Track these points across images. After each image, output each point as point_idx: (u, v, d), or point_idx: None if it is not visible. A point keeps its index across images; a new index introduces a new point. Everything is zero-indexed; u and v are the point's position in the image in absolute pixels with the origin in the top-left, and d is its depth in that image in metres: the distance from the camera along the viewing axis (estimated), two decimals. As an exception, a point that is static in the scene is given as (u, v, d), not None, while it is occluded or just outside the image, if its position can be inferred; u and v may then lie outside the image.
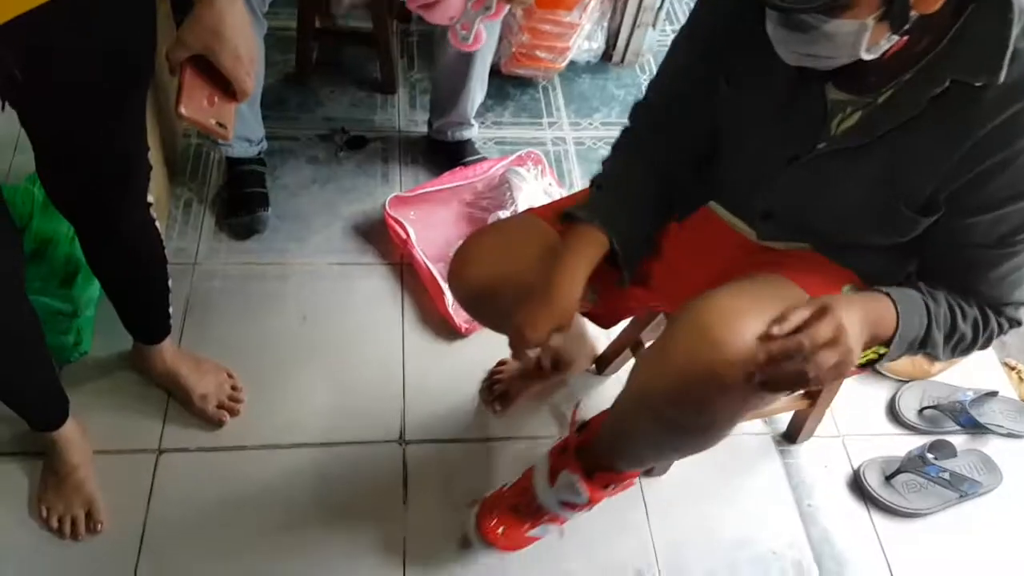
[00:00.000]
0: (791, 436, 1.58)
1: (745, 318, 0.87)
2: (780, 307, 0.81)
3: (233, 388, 1.48)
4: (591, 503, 1.18)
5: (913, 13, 0.76)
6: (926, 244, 0.96)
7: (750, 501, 1.49)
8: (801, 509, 1.50)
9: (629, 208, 1.06)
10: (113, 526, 1.31)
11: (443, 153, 1.92)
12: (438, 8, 1.40)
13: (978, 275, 0.94)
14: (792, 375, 0.79)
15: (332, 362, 1.57)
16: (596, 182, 1.10)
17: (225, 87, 0.89)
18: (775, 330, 0.79)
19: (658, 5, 2.11)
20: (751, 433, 1.58)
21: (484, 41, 1.48)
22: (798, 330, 0.79)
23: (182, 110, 0.85)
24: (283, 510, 1.36)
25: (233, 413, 1.46)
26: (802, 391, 0.94)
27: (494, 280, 1.08)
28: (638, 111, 1.13)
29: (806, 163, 0.95)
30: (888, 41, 0.80)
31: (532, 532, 1.26)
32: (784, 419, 1.60)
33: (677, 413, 0.94)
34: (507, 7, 1.42)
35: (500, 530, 1.25)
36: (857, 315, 0.83)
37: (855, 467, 1.56)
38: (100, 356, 1.51)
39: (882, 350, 0.91)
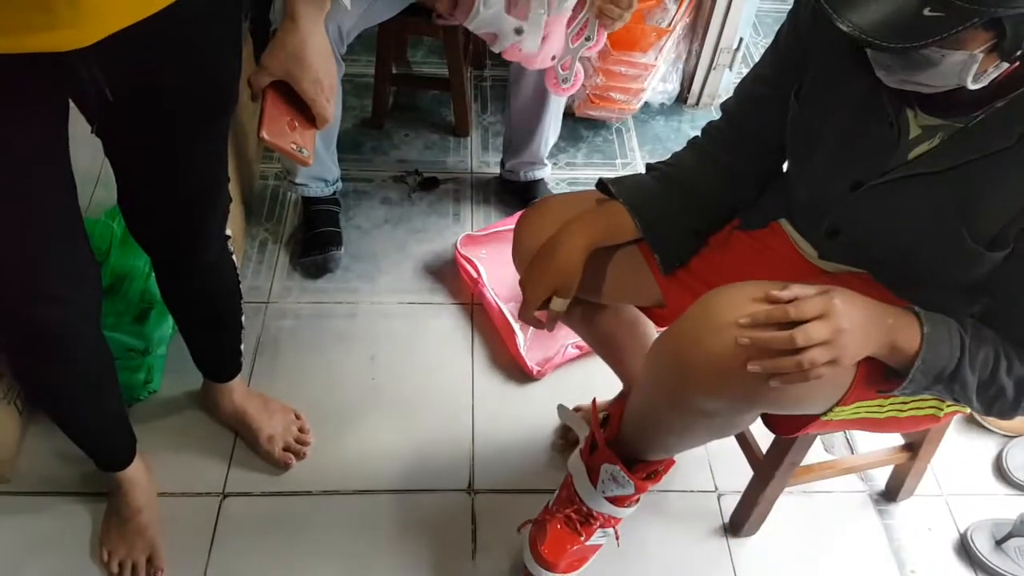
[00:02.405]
0: (890, 494, 1.39)
1: (749, 308, 0.80)
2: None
3: (300, 430, 1.39)
4: (638, 492, 1.08)
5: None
6: (990, 287, 0.85)
7: (849, 565, 1.30)
8: (903, 575, 1.30)
9: (671, 193, 1.02)
10: (175, 571, 1.21)
11: (515, 193, 1.83)
12: (545, 46, 1.32)
13: None
14: (780, 343, 0.76)
15: (400, 405, 1.46)
16: (649, 165, 1.07)
17: (305, 113, 0.87)
18: (771, 294, 0.78)
19: (735, 47, 1.99)
20: (846, 491, 1.40)
21: (582, 82, 1.39)
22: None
23: (264, 134, 0.82)
24: (347, 559, 1.25)
25: (299, 456, 1.36)
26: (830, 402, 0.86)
27: (542, 240, 1.03)
28: (721, 113, 1.08)
29: (875, 186, 0.87)
30: (996, 69, 0.73)
31: (590, 541, 1.14)
32: (882, 475, 1.41)
33: (685, 398, 0.88)
34: (605, 35, 1.32)
35: (560, 547, 1.13)
36: (860, 306, 0.79)
37: (961, 530, 1.35)
38: (169, 395, 1.43)
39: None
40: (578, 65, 1.34)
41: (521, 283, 1.03)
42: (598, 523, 1.13)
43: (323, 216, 1.71)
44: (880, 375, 0.86)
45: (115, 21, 0.73)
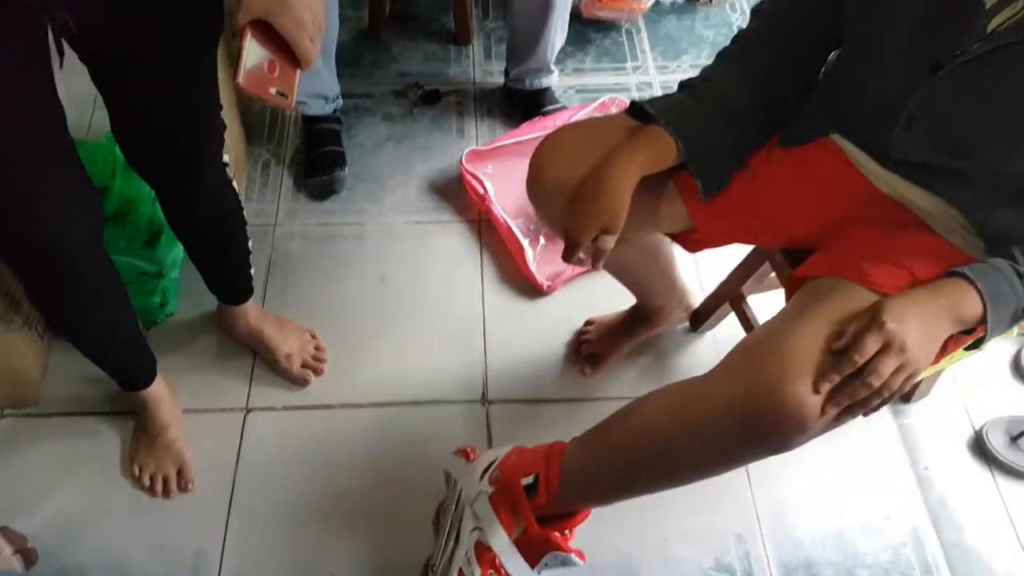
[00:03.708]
0: (905, 395, 1.39)
1: (816, 363, 0.79)
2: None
3: (316, 348, 1.41)
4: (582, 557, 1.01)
5: None
6: None
7: (861, 464, 1.32)
8: (917, 472, 1.32)
9: (710, 113, 0.93)
10: (204, 484, 1.26)
11: (521, 103, 1.78)
12: None
13: None
14: (860, 396, 0.77)
15: (412, 322, 1.47)
16: (682, 83, 0.97)
17: (288, 53, 0.81)
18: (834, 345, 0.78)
19: (748, -66, 1.88)
20: (859, 392, 1.40)
21: None
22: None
23: (240, 80, 0.77)
24: (367, 468, 1.29)
25: (317, 373, 1.39)
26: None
27: (570, 176, 0.94)
28: (752, 17, 0.99)
29: (955, 69, 0.79)
30: None
31: None
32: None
33: (745, 456, 0.86)
34: None
35: None
36: (913, 311, 0.78)
37: (976, 427, 1.36)
38: (186, 318, 1.46)
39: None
40: None
41: (564, 224, 0.93)
42: None
43: (325, 135, 1.68)
44: (956, 340, 0.86)
45: None
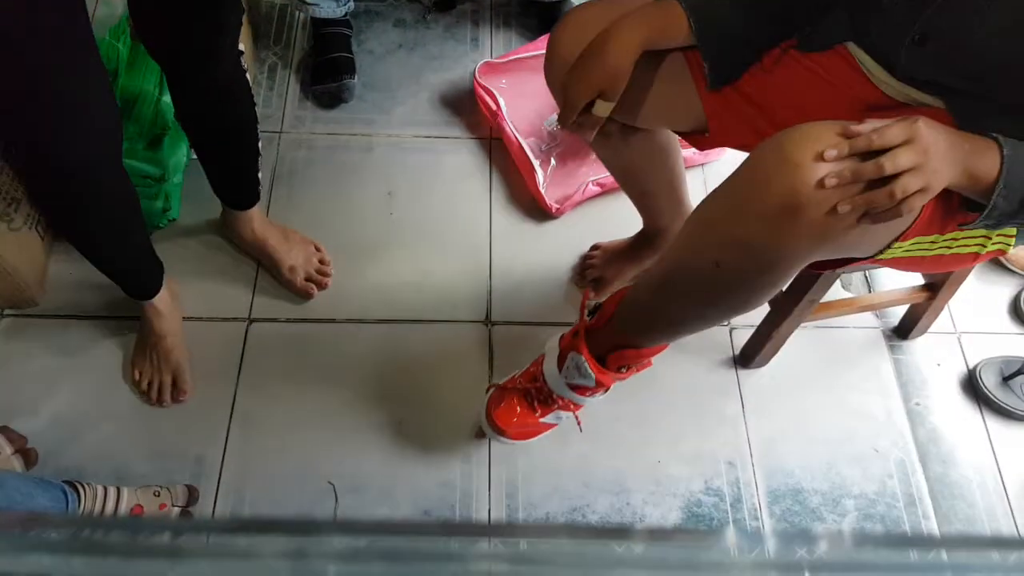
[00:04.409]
0: (903, 331, 1.37)
1: (832, 144, 0.68)
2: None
3: (321, 262, 1.35)
4: (600, 386, 1.04)
5: None
6: None
7: (854, 397, 1.30)
8: (908, 407, 1.30)
9: None
10: (206, 391, 1.23)
11: (538, 15, 1.66)
12: None
13: None
14: (867, 173, 0.67)
15: (418, 240, 1.41)
16: None
17: None
18: (850, 128, 0.68)
19: None
20: (860, 327, 1.37)
21: None
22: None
23: None
24: (370, 383, 1.26)
25: (321, 286, 1.34)
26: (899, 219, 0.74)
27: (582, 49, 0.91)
28: None
29: None
30: None
31: (545, 419, 1.12)
32: (897, 313, 1.37)
33: (742, 251, 0.76)
34: None
35: (510, 416, 1.11)
36: (941, 127, 0.70)
37: (971, 366, 1.34)
38: (188, 223, 1.39)
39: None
40: None
41: (562, 85, 0.90)
42: (556, 405, 1.09)
43: (335, 40, 1.57)
44: (952, 208, 0.78)
45: None
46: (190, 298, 1.29)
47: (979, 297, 1.42)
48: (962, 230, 0.82)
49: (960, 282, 1.22)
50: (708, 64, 0.91)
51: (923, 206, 0.73)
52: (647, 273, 0.96)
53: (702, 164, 1.51)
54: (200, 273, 1.34)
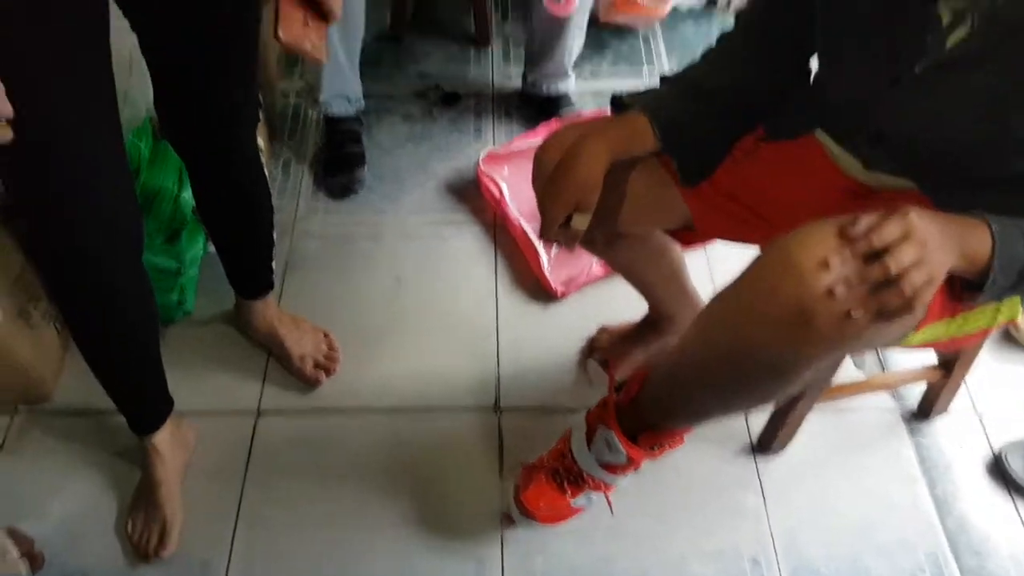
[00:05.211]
0: (922, 412, 1.28)
1: (834, 250, 0.66)
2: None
3: (330, 348, 1.31)
4: (632, 463, 0.98)
5: None
6: None
7: (876, 483, 1.21)
8: (934, 494, 1.20)
9: (685, 96, 0.89)
10: (213, 491, 1.17)
11: (538, 107, 1.67)
12: None
13: None
14: (874, 276, 0.64)
15: (426, 325, 1.37)
16: (662, 77, 0.94)
17: (316, 10, 0.84)
18: (848, 230, 0.65)
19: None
20: (878, 408, 1.29)
21: (576, 5, 1.21)
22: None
23: (280, 34, 0.80)
24: (378, 474, 1.19)
25: (329, 373, 1.29)
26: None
27: None
28: (735, 17, 0.95)
29: (914, 81, 0.75)
30: None
31: (575, 501, 1.04)
32: (913, 392, 1.29)
33: (753, 355, 0.74)
34: None
35: (540, 498, 1.04)
36: (931, 216, 0.67)
37: (995, 449, 1.24)
38: (203, 316, 1.36)
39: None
40: None
41: (539, 201, 0.91)
42: (587, 486, 1.03)
43: (346, 135, 1.58)
44: (956, 291, 0.75)
45: None
46: (200, 392, 1.25)
47: (995, 374, 1.33)
48: (969, 308, 0.79)
49: (973, 358, 1.15)
50: (678, 165, 0.91)
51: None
52: (663, 363, 0.93)
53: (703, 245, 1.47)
54: (211, 366, 1.30)
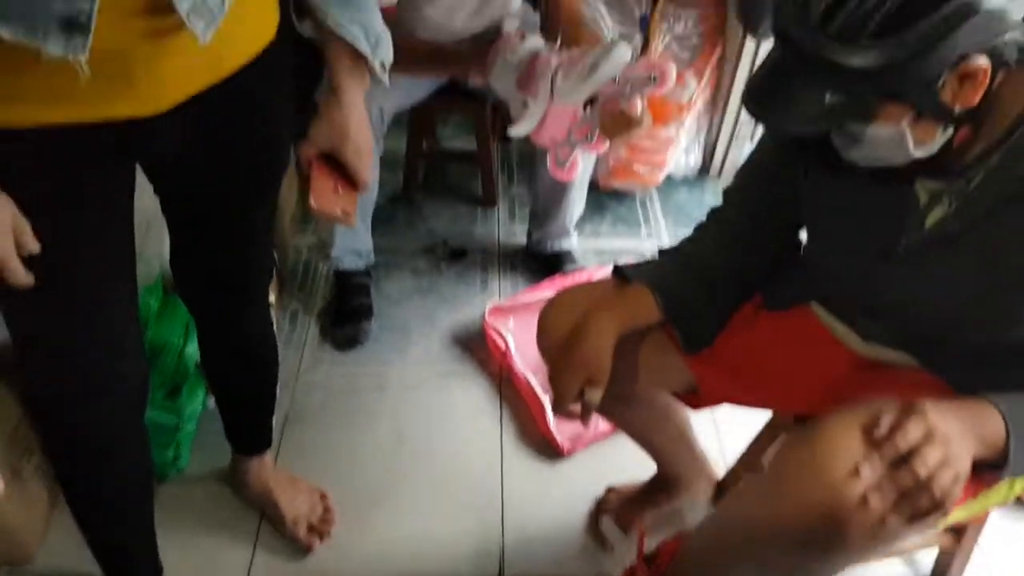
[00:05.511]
0: (939, 574, 1.21)
1: (863, 457, 0.69)
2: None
3: (325, 510, 1.25)
4: None
5: (957, 107, 0.65)
6: None
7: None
8: None
9: (685, 269, 0.93)
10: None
11: (542, 263, 1.72)
12: (543, 128, 1.23)
13: None
14: (905, 484, 0.66)
15: (428, 485, 1.32)
16: (660, 250, 0.99)
17: (346, 179, 0.87)
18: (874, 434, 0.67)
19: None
20: (890, 575, 1.22)
21: (579, 172, 1.29)
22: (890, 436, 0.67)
23: (313, 203, 0.83)
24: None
25: (323, 537, 1.22)
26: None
27: (566, 333, 0.93)
28: (723, 194, 1.00)
29: (901, 258, 0.79)
30: (944, 134, 0.68)
31: None
32: (927, 560, 1.23)
33: (790, 559, 0.75)
34: (607, 143, 1.22)
35: None
36: (947, 408, 0.70)
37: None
38: (196, 473, 1.31)
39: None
40: (577, 155, 1.24)
41: (550, 377, 0.93)
42: None
43: (355, 288, 1.61)
44: (974, 473, 0.74)
45: (188, 86, 0.73)
46: (190, 554, 1.17)
47: (1012, 538, 1.28)
48: (990, 487, 0.80)
49: (982, 523, 1.11)
50: (680, 334, 0.93)
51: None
52: (693, 547, 0.91)
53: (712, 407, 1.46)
54: (202, 527, 1.23)
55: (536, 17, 1.46)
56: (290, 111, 0.89)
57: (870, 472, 0.67)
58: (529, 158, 1.92)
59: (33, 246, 0.66)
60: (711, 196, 1.98)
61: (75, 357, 0.82)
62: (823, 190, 0.85)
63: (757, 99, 0.68)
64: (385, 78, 0.85)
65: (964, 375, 0.80)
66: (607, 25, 1.77)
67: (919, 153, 0.69)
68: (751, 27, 1.67)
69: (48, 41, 0.60)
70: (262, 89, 0.82)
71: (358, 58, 0.81)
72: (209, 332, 1.08)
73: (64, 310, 0.79)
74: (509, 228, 1.87)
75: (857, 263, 0.84)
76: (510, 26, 1.29)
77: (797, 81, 0.65)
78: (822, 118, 0.66)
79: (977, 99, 0.65)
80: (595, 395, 0.90)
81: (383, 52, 0.82)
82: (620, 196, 1.97)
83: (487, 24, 1.48)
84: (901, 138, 0.67)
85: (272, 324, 1.12)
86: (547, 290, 1.60)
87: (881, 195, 0.79)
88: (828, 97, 0.64)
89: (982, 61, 0.63)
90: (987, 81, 0.64)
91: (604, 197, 1.96)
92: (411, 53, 1.34)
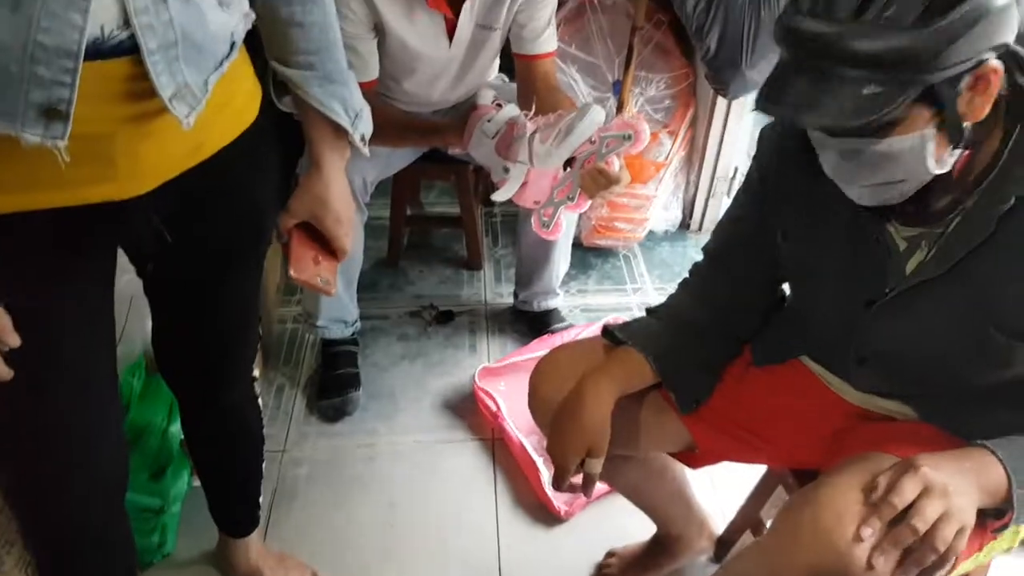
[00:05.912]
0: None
1: (864, 520, 0.69)
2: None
3: (316, 590, 1.19)
4: None
5: (966, 124, 0.67)
6: None
7: None
8: None
9: (674, 330, 0.93)
10: None
11: (530, 323, 1.71)
12: (525, 191, 1.24)
13: None
14: (904, 539, 0.66)
15: (422, 557, 1.27)
16: (647, 309, 0.99)
17: (327, 248, 0.86)
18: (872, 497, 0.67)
19: (731, 175, 1.93)
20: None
21: (563, 231, 1.30)
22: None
23: (292, 273, 0.82)
24: None
25: (314, 620, 1.16)
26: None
27: (560, 394, 0.91)
28: (703, 251, 1.00)
29: (886, 305, 0.79)
30: (952, 156, 0.69)
31: None
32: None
33: None
34: (589, 202, 1.23)
35: None
36: (946, 462, 0.69)
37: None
38: (183, 557, 1.25)
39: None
40: (560, 215, 1.26)
41: (549, 450, 0.90)
42: None
43: (342, 357, 1.58)
44: (982, 523, 0.73)
45: (169, 169, 0.72)
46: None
47: (1015, 571, 1.24)
48: (996, 536, 0.78)
49: (987, 570, 1.08)
50: (674, 394, 0.93)
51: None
52: None
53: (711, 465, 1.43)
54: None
55: (512, 86, 1.50)
56: (273, 186, 0.88)
57: (871, 534, 0.66)
58: (512, 220, 1.94)
59: (14, 342, 0.65)
60: (693, 250, 2.00)
61: (50, 442, 0.79)
62: (802, 250, 0.86)
63: (786, 101, 0.66)
64: (365, 150, 0.85)
65: (960, 420, 0.79)
66: (581, 91, 1.82)
67: (936, 169, 0.69)
68: (721, 90, 1.72)
69: (26, 129, 0.59)
70: (243, 167, 0.81)
71: (339, 132, 0.82)
72: (193, 412, 1.05)
73: (40, 396, 0.76)
74: (495, 290, 1.87)
75: (843, 315, 0.84)
76: (484, 99, 1.32)
77: (834, 76, 0.63)
78: (858, 112, 0.64)
79: (985, 111, 0.66)
80: (596, 466, 0.88)
81: (363, 126, 0.83)
82: (604, 253, 1.98)
83: (465, 95, 1.51)
84: (922, 149, 0.67)
85: (257, 400, 1.09)
86: (536, 350, 1.58)
87: (859, 247, 0.79)
88: (866, 89, 0.63)
89: (996, 64, 0.64)
90: (996, 91, 0.65)
91: (588, 254, 1.97)
92: (391, 125, 1.36)
